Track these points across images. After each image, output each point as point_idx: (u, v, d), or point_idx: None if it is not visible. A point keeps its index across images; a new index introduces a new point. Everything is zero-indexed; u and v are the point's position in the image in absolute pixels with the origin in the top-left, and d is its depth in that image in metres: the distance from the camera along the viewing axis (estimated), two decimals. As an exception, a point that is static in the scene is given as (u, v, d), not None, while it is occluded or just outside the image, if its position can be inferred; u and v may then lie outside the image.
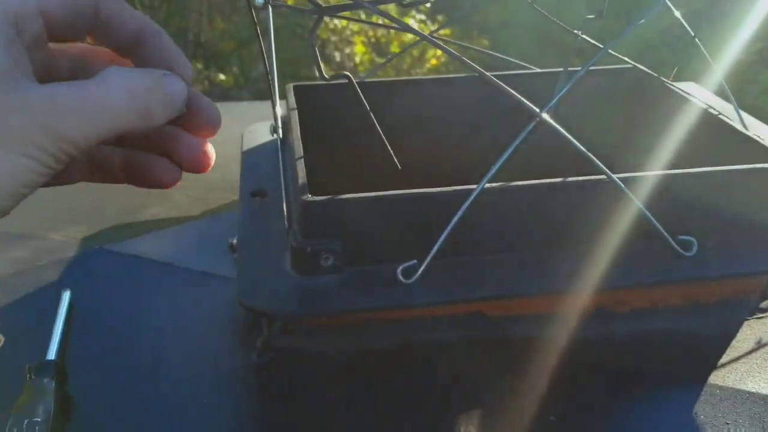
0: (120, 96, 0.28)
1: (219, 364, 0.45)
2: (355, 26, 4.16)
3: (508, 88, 0.42)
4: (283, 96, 0.58)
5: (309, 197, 0.42)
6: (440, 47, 0.46)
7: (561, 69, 0.61)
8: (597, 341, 0.46)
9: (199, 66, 4.16)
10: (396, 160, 0.53)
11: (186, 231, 0.57)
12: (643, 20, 0.43)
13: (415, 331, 0.45)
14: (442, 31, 4.10)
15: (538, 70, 0.63)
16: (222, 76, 4.31)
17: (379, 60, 4.28)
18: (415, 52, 4.19)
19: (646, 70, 0.62)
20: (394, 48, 4.36)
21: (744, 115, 0.55)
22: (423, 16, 4.40)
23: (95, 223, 0.56)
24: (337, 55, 4.36)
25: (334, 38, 4.32)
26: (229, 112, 0.91)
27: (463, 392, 0.43)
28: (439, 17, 4.28)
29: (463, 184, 0.43)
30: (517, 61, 0.62)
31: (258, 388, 0.44)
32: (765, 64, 3.84)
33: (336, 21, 4.13)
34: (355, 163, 0.59)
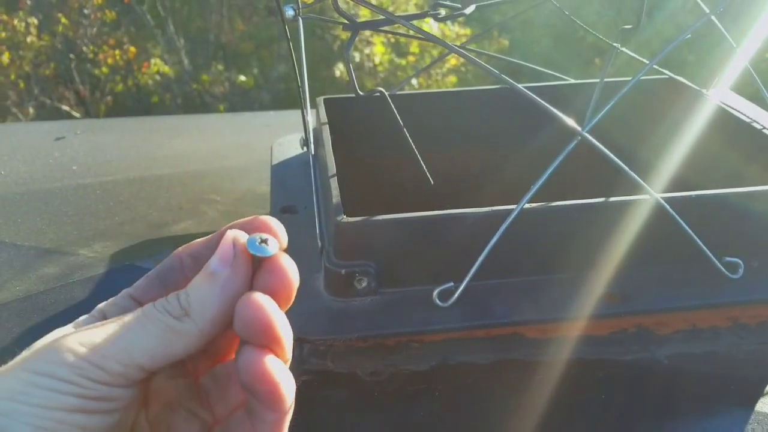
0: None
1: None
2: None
3: (546, 104, 0.41)
4: (313, 105, 0.57)
5: (344, 219, 0.41)
6: (472, 60, 0.44)
7: (596, 80, 0.60)
8: (638, 363, 0.44)
9: (220, 68, 4.18)
10: (429, 174, 0.53)
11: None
12: (688, 35, 0.42)
13: (450, 353, 0.44)
14: (461, 32, 4.08)
15: (572, 81, 0.62)
16: (242, 77, 4.33)
17: (399, 61, 4.28)
18: (435, 52, 4.18)
19: (683, 80, 0.60)
20: (414, 48, 4.35)
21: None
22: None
23: (125, 238, 0.56)
24: (357, 56, 4.37)
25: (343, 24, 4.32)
26: (257, 121, 0.91)
27: (500, 415, 0.42)
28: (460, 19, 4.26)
29: (497, 199, 0.42)
30: (550, 72, 0.61)
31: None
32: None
33: (347, 7, 4.11)
34: (387, 178, 0.58)
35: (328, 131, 0.52)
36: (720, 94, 0.62)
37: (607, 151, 0.41)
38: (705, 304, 0.42)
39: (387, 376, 0.43)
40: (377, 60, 4.25)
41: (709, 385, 0.43)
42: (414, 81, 4.21)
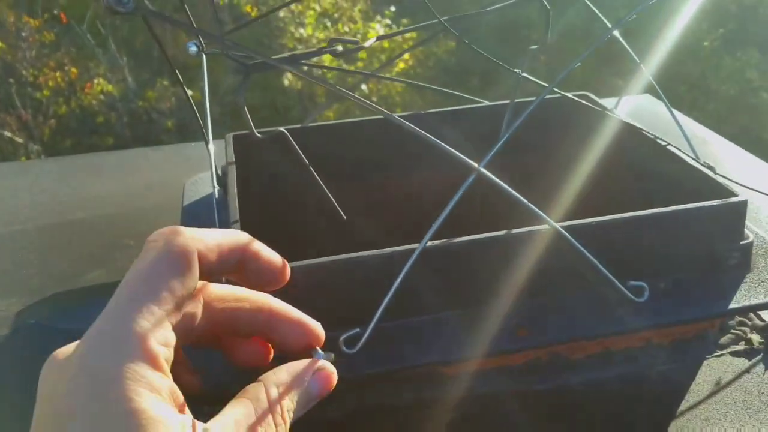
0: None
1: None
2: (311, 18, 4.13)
3: (440, 143, 0.40)
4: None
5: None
6: (352, 97, 0.43)
7: (508, 101, 0.59)
8: (554, 391, 0.44)
9: (166, 83, 4.11)
10: (341, 210, 0.52)
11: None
12: (589, 51, 0.42)
13: (365, 396, 0.43)
14: (408, 35, 4.09)
15: (487, 104, 0.62)
16: (190, 92, 4.27)
17: (348, 67, 4.26)
18: (383, 57, 4.18)
19: (590, 97, 0.60)
20: (362, 54, 4.34)
21: (699, 130, 0.54)
22: (388, 21, 4.39)
23: (30, 294, 0.54)
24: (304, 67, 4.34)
25: (300, 47, 4.30)
26: (178, 154, 0.89)
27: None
28: (404, 20, 4.27)
29: (409, 230, 0.42)
30: (464, 95, 0.61)
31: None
32: (727, 50, 3.88)
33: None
34: (299, 217, 0.57)
35: (234, 172, 0.51)
36: (643, 105, 0.63)
37: (505, 186, 0.40)
38: (612, 331, 0.42)
39: (302, 426, 0.42)
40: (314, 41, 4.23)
41: (623, 408, 0.44)
42: (363, 86, 4.20)
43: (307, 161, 0.48)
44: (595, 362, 0.45)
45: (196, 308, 0.30)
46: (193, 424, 0.26)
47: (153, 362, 0.26)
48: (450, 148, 0.40)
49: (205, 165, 0.63)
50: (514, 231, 0.41)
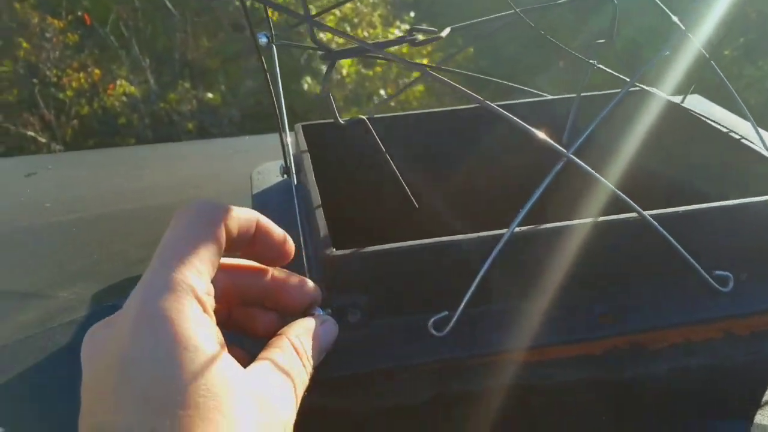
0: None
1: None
2: (340, 40, 4.16)
3: (528, 126, 0.40)
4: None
5: (333, 252, 0.40)
6: (447, 83, 0.44)
7: (573, 95, 0.60)
8: (633, 381, 0.44)
9: (187, 85, 4.14)
10: (413, 198, 0.52)
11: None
12: (667, 52, 0.42)
13: (447, 383, 0.43)
14: (428, 47, 4.10)
15: (549, 97, 0.62)
16: (210, 95, 4.29)
17: (366, 72, 4.28)
18: (407, 57, 4.19)
19: (657, 92, 0.61)
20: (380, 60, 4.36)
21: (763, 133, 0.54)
22: (407, 26, 4.40)
23: (104, 278, 0.54)
24: (323, 68, 4.36)
25: (319, 52, 4.32)
26: (230, 147, 0.90)
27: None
28: (425, 24, 4.28)
29: (484, 221, 0.42)
30: (528, 89, 0.61)
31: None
32: (749, 59, 3.86)
33: (322, 34, 4.11)
34: (371, 204, 0.58)
35: (309, 160, 0.51)
36: (694, 104, 0.63)
37: (594, 173, 0.41)
38: (696, 319, 0.42)
39: (383, 410, 0.43)
40: (344, 72, 4.25)
41: (705, 398, 0.44)
42: (382, 91, 4.22)
43: (383, 148, 0.48)
44: (676, 352, 0.45)
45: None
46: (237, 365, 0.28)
47: (203, 307, 0.28)
48: (542, 135, 0.40)
49: (263, 156, 0.64)
50: (603, 218, 0.42)
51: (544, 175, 0.41)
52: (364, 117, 0.48)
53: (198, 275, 0.29)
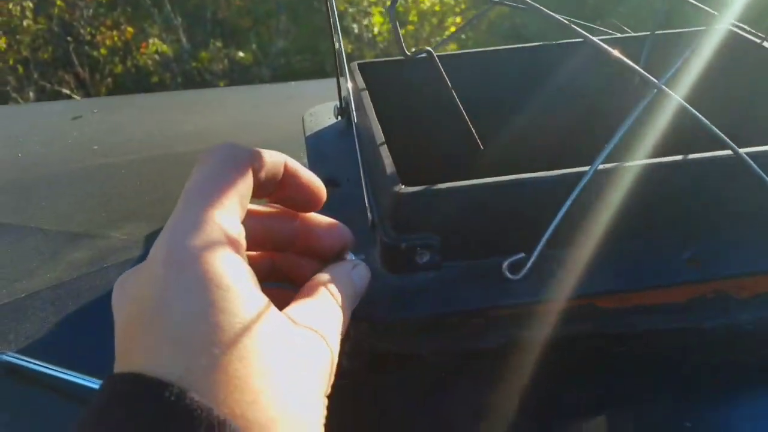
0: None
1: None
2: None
3: (621, 56, 0.37)
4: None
5: (402, 188, 0.38)
6: (533, 7, 0.41)
7: (646, 33, 0.56)
8: (718, 331, 0.41)
9: (219, 44, 4.12)
10: (478, 140, 0.49)
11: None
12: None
13: (520, 329, 0.41)
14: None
15: (620, 35, 0.58)
16: (241, 54, 4.26)
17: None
18: (435, 20, 4.10)
19: (741, 32, 0.56)
20: (412, 17, 4.26)
21: None
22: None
23: (158, 219, 0.53)
24: (356, 27, 4.29)
25: (351, 10, 4.25)
26: (279, 93, 0.88)
27: (577, 391, 0.39)
28: None
29: (555, 166, 0.39)
30: (596, 26, 0.57)
31: (347, 395, 0.40)
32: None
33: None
34: (431, 145, 0.55)
35: (369, 97, 0.49)
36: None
37: (687, 105, 0.37)
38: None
39: (453, 355, 0.41)
40: (376, 30, 4.18)
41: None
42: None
43: (449, 83, 0.45)
44: (763, 301, 0.42)
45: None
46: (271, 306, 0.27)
47: (234, 246, 0.26)
48: (632, 63, 0.37)
49: (312, 101, 0.61)
50: (694, 156, 0.38)
51: (620, 117, 0.38)
52: (429, 48, 0.45)
53: (227, 214, 0.27)
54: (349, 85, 0.48)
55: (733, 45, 0.56)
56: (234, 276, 0.25)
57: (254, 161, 0.30)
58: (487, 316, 0.39)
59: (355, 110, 0.51)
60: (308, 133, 0.55)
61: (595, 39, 0.38)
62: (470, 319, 0.40)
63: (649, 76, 0.37)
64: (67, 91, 3.73)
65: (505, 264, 0.38)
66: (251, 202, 0.33)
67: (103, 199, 0.55)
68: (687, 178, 0.39)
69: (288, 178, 0.33)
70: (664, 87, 0.37)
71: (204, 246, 0.25)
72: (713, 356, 0.40)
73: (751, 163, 0.38)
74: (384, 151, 0.42)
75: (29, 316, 0.43)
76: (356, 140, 0.46)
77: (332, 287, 0.32)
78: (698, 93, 0.51)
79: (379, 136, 0.44)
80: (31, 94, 3.62)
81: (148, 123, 0.69)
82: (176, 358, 0.23)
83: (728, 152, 0.38)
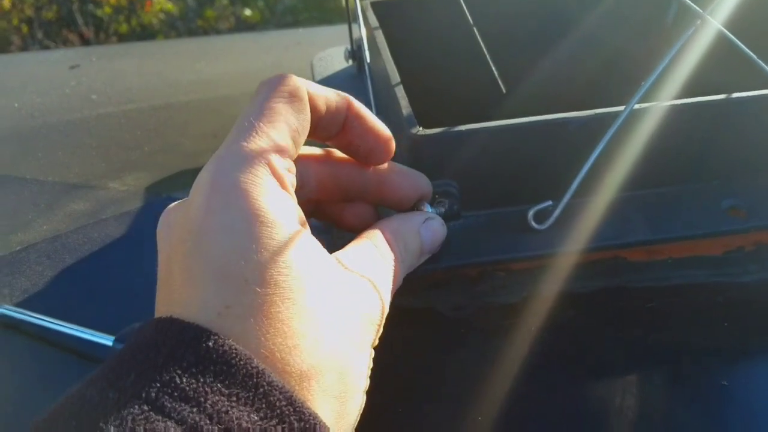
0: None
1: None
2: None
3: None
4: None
5: (420, 130, 0.35)
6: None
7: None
8: (758, 285, 0.39)
9: (225, 2, 4.04)
10: (500, 82, 0.46)
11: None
12: None
13: (543, 282, 0.38)
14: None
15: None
16: (248, 12, 4.18)
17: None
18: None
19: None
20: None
21: None
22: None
23: (158, 169, 0.50)
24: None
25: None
26: (286, 39, 0.84)
27: (603, 349, 0.36)
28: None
29: (578, 110, 0.36)
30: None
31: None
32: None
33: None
34: (450, 91, 0.52)
35: (383, 37, 0.45)
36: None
37: (731, 36, 0.34)
38: None
39: (473, 310, 0.38)
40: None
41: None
42: None
43: (471, 20, 0.42)
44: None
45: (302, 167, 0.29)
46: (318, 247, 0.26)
47: (281, 181, 0.25)
48: (675, -11, 0.33)
49: (321, 47, 0.58)
50: (738, 95, 0.35)
51: (649, 62, 0.35)
52: (450, -20, 0.41)
53: (276, 148, 0.25)
54: (361, 24, 0.44)
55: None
56: (279, 212, 0.24)
57: (313, 93, 0.28)
58: (509, 269, 0.37)
59: (368, 52, 0.47)
60: (317, 78, 0.52)
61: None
62: (491, 272, 0.37)
63: (694, 6, 0.34)
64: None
65: (531, 212, 0.35)
66: (321, 146, 0.31)
67: (102, 150, 0.52)
68: (729, 118, 0.36)
69: (352, 120, 0.30)
70: (708, 16, 0.34)
71: (249, 179, 0.24)
72: (751, 313, 0.38)
73: (803, 101, 0.34)
74: (400, 91, 0.39)
75: (24, 270, 0.41)
76: (368, 82, 0.43)
77: (392, 236, 0.30)
78: (743, 27, 0.47)
79: (395, 76, 0.41)
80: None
81: (147, 72, 0.66)
82: (216, 294, 0.22)
83: (776, 90, 0.35)
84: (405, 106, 0.37)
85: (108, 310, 0.39)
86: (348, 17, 0.44)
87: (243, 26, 4.07)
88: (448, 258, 0.35)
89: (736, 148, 0.37)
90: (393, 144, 0.31)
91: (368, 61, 0.43)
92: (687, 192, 0.37)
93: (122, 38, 3.87)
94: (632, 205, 0.37)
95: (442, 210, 0.35)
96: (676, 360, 0.35)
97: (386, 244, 0.29)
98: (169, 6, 3.93)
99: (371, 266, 0.27)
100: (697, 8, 0.34)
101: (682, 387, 0.34)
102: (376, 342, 0.26)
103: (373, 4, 0.51)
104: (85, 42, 3.80)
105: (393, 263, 0.29)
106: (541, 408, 0.33)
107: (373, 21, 0.48)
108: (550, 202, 0.35)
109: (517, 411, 0.32)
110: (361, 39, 0.44)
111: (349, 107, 0.30)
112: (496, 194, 0.37)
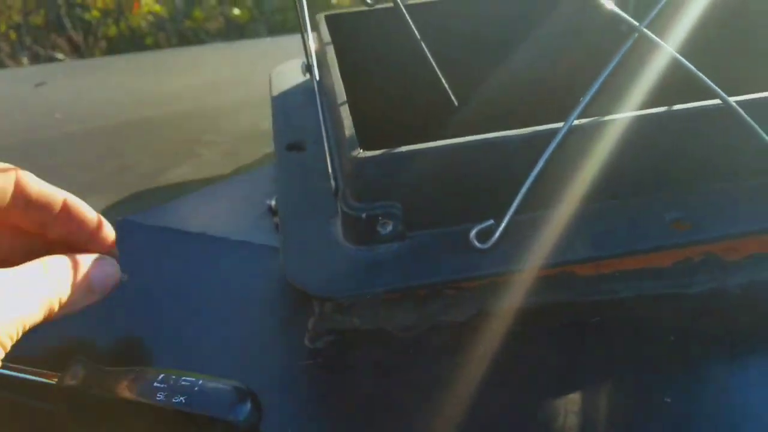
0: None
1: (263, 348, 0.39)
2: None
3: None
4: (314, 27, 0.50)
5: (361, 153, 0.35)
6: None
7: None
8: (706, 296, 0.39)
9: (213, 2, 4.02)
10: (452, 96, 0.46)
11: (217, 193, 0.51)
12: None
13: (492, 300, 0.38)
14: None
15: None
16: (236, 11, 4.17)
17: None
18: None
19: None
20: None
21: None
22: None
23: (115, 191, 0.50)
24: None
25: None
26: (254, 49, 0.84)
27: (555, 364, 0.36)
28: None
29: (533, 122, 0.36)
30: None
31: (311, 374, 0.38)
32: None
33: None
34: (402, 103, 0.51)
35: (333, 53, 0.45)
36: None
37: (671, 49, 0.34)
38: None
39: (422, 330, 0.38)
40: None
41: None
42: None
43: (418, 36, 0.42)
44: (754, 263, 0.39)
45: None
46: None
47: None
48: (614, 7, 0.33)
49: (288, 57, 0.58)
50: (679, 107, 0.35)
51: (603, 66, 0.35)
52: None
53: None
54: (312, 38, 0.44)
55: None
56: None
57: (19, 176, 0.33)
58: (454, 288, 0.37)
59: (319, 67, 0.47)
60: (275, 93, 0.52)
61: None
62: (437, 293, 0.37)
63: (628, 18, 0.34)
64: (61, 56, 3.67)
65: (473, 232, 0.35)
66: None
67: (62, 171, 0.52)
68: (672, 131, 0.36)
69: (67, 213, 0.35)
70: (645, 30, 0.34)
71: None
72: (697, 324, 0.38)
73: (741, 112, 0.34)
74: (345, 111, 0.39)
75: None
76: (318, 100, 0.43)
77: (50, 271, 0.31)
78: (692, 41, 0.47)
79: (341, 95, 0.40)
80: (25, 60, 3.57)
81: (113, 87, 0.66)
82: None
83: (717, 101, 0.35)
84: (348, 127, 0.37)
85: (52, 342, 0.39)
86: (301, 30, 0.44)
87: (232, 26, 4.05)
88: (393, 280, 0.35)
89: (680, 159, 0.37)
90: (112, 234, 0.37)
91: (317, 78, 0.43)
92: (631, 206, 0.37)
93: (111, 42, 3.86)
94: (578, 220, 0.36)
95: (387, 231, 0.35)
96: (623, 373, 0.35)
97: (39, 268, 0.31)
98: (157, 8, 3.91)
99: (16, 282, 0.29)
100: (633, 21, 0.33)
101: (632, 400, 0.34)
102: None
103: (327, 17, 0.51)
104: (74, 46, 3.79)
105: (43, 287, 0.30)
106: (494, 426, 0.33)
107: (326, 35, 0.48)
108: (491, 221, 0.35)
109: (471, 430, 0.32)
110: (311, 56, 0.44)
111: (65, 203, 0.35)
112: (440, 214, 0.36)
